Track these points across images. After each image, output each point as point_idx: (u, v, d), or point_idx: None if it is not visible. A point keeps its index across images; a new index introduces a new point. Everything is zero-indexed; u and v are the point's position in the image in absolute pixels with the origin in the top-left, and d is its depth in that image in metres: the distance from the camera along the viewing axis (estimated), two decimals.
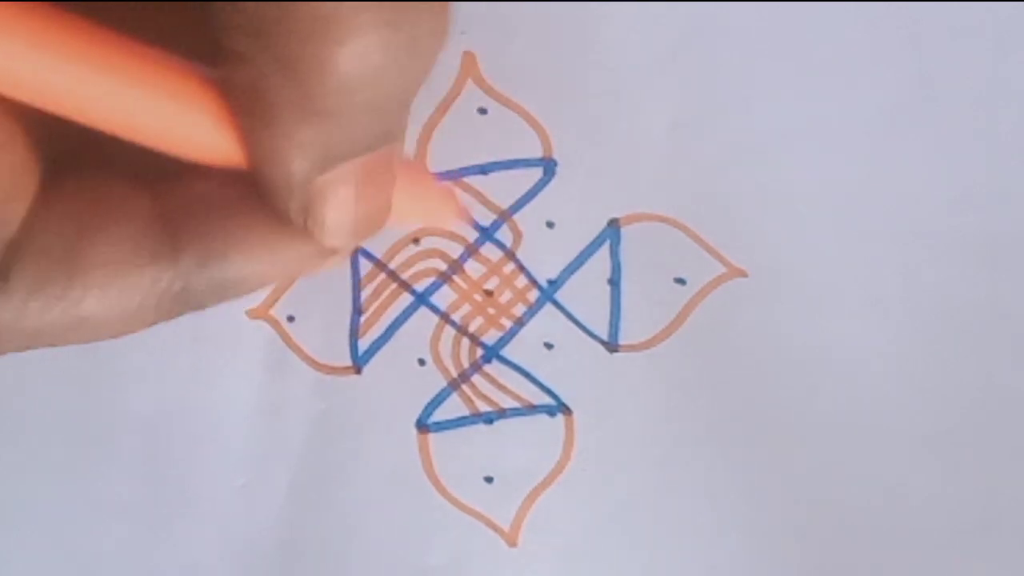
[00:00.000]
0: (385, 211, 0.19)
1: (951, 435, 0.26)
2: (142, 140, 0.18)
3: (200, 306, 0.19)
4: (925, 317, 0.26)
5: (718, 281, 0.26)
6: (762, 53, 0.26)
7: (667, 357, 0.26)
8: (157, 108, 0.17)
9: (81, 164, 0.19)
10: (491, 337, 0.27)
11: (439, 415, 0.27)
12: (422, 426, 0.27)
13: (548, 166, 0.26)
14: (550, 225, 0.26)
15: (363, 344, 0.27)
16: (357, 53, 0.16)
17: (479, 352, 0.27)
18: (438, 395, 0.27)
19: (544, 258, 0.26)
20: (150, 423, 0.27)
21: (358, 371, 0.27)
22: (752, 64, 0.26)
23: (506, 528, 0.26)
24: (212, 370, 0.27)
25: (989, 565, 0.26)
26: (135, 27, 0.17)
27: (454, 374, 0.27)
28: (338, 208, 0.18)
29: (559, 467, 0.26)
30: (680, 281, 0.26)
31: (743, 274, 0.26)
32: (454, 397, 0.27)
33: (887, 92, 0.26)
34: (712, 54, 0.26)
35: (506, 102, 0.26)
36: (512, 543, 0.26)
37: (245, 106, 0.17)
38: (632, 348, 0.26)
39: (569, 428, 0.26)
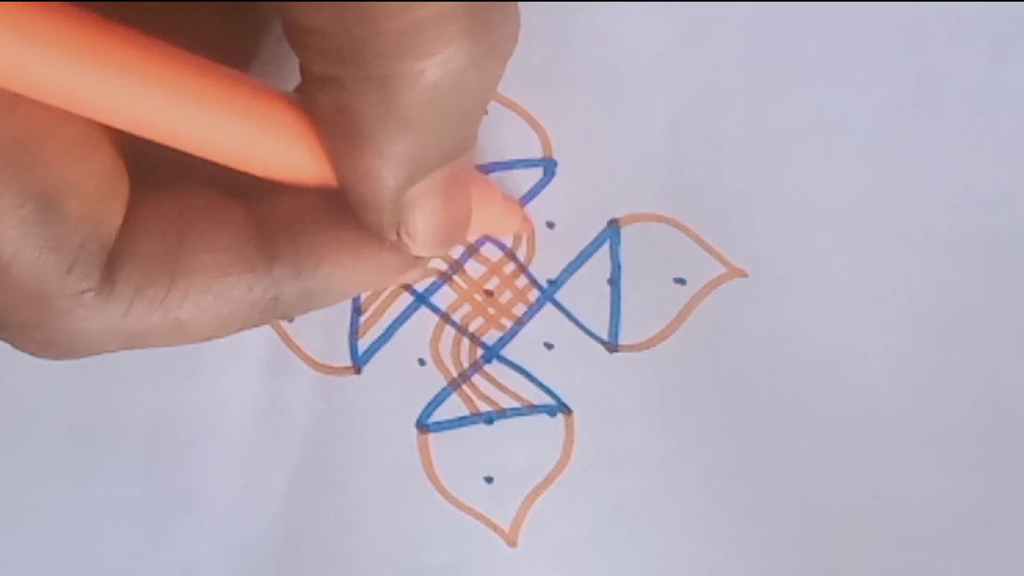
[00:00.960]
0: (467, 218, 0.20)
1: (952, 435, 0.26)
2: (232, 165, 0.18)
3: (287, 315, 0.20)
4: (925, 317, 0.26)
5: (718, 281, 0.26)
6: (762, 53, 0.26)
7: (667, 357, 0.26)
8: (244, 135, 0.18)
9: (178, 175, 0.19)
10: (491, 337, 0.27)
11: (439, 415, 0.27)
12: (422, 426, 0.27)
13: (548, 166, 0.26)
14: (550, 225, 0.26)
15: (363, 344, 0.27)
16: (444, 63, 0.16)
17: (479, 352, 0.27)
18: (438, 395, 0.27)
19: (544, 258, 0.26)
20: (150, 423, 0.27)
21: (358, 371, 0.27)
22: (752, 64, 0.26)
23: (506, 528, 0.26)
24: (212, 370, 0.27)
25: (990, 565, 0.26)
26: (157, 28, 0.17)
27: (454, 374, 0.27)
28: (428, 218, 0.19)
29: (559, 467, 0.26)
30: (680, 281, 0.26)
31: (743, 274, 0.26)
32: (454, 397, 0.27)
33: (887, 92, 0.26)
34: (712, 54, 0.26)
35: (506, 102, 0.26)
36: (512, 543, 0.26)
37: (333, 126, 0.18)
38: (632, 348, 0.26)
39: (569, 428, 0.26)
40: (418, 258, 0.21)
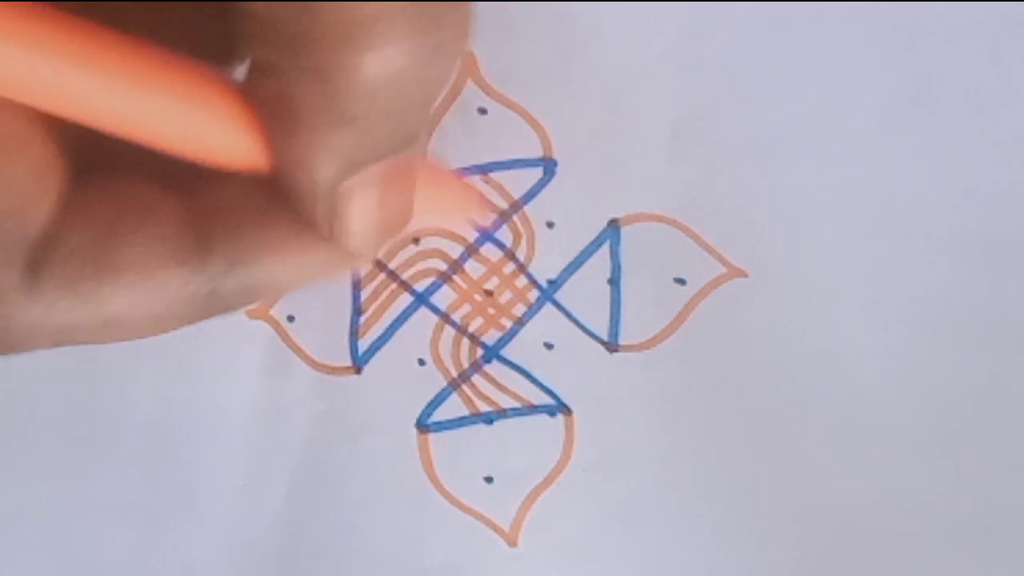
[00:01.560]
0: (407, 214, 0.20)
1: (951, 435, 0.26)
2: (166, 148, 0.18)
3: (227, 310, 0.20)
4: (925, 317, 0.26)
5: (718, 281, 0.26)
6: (762, 53, 0.26)
7: (667, 357, 0.26)
8: (179, 115, 0.17)
9: (109, 167, 0.19)
10: (491, 337, 0.27)
11: (439, 415, 0.27)
12: (422, 426, 0.27)
13: (548, 166, 0.26)
14: (550, 225, 0.26)
15: (363, 344, 0.27)
16: (385, 59, 0.16)
17: (479, 352, 0.27)
18: (438, 395, 0.27)
19: (544, 258, 0.26)
20: (150, 423, 0.27)
21: (358, 371, 0.27)
22: (752, 64, 0.26)
23: (506, 528, 0.26)
24: (212, 370, 0.27)
25: (990, 565, 0.26)
26: (144, 27, 0.17)
27: (454, 374, 0.27)
28: (362, 212, 0.18)
29: (559, 467, 0.26)
30: (680, 281, 0.26)
31: (743, 274, 0.26)
32: (454, 397, 0.27)
33: (887, 92, 0.26)
34: (712, 54, 0.26)
35: (506, 102, 0.26)
36: (512, 543, 0.26)
37: (271, 113, 0.17)
38: (632, 348, 0.26)
39: (569, 428, 0.26)
40: (360, 252, 0.20)
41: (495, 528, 0.26)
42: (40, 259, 0.18)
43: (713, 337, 0.26)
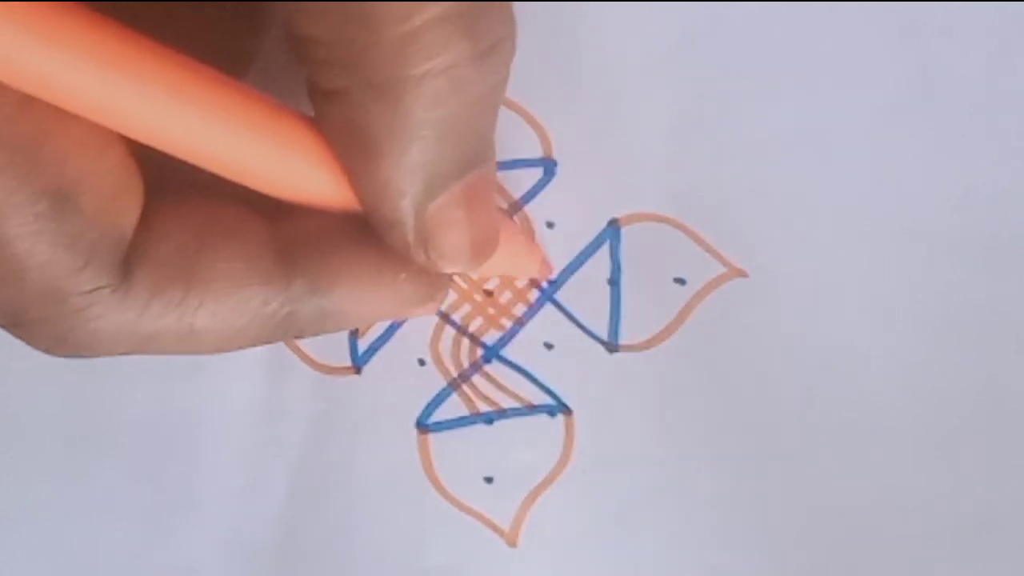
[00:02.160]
0: (495, 232, 0.20)
1: (952, 435, 0.26)
2: (246, 183, 0.18)
3: (301, 334, 0.20)
4: (926, 317, 0.26)
5: (718, 281, 0.26)
6: (762, 53, 0.26)
7: (667, 357, 0.26)
8: (259, 154, 0.18)
9: (197, 182, 0.19)
10: (491, 337, 0.27)
11: (439, 415, 0.27)
12: (422, 426, 0.27)
13: (548, 166, 0.26)
14: (550, 225, 0.26)
15: (363, 344, 0.27)
16: (446, 65, 0.16)
17: (479, 352, 0.27)
18: (438, 395, 0.27)
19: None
20: (150, 423, 0.27)
21: (358, 371, 0.27)
22: (752, 64, 0.26)
23: (506, 528, 0.26)
24: (212, 370, 0.27)
25: (990, 565, 0.26)
26: (153, 29, 0.17)
27: (454, 374, 0.27)
28: (454, 232, 0.19)
29: (559, 467, 0.26)
30: (680, 281, 0.26)
31: (743, 274, 0.26)
32: (454, 397, 0.27)
33: (887, 92, 0.26)
34: (712, 54, 0.26)
35: (506, 102, 0.26)
36: (512, 543, 0.26)
37: (346, 143, 0.17)
38: (632, 348, 0.26)
39: (569, 428, 0.26)
40: (436, 290, 0.21)
41: (495, 528, 0.26)
42: (132, 264, 0.18)
43: (713, 337, 0.26)
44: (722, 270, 0.26)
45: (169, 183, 0.19)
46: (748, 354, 0.26)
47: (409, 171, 0.17)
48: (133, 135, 0.17)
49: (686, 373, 0.26)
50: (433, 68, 0.16)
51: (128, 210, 0.18)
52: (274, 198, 0.19)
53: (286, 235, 0.20)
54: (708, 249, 0.26)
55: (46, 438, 0.27)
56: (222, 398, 0.27)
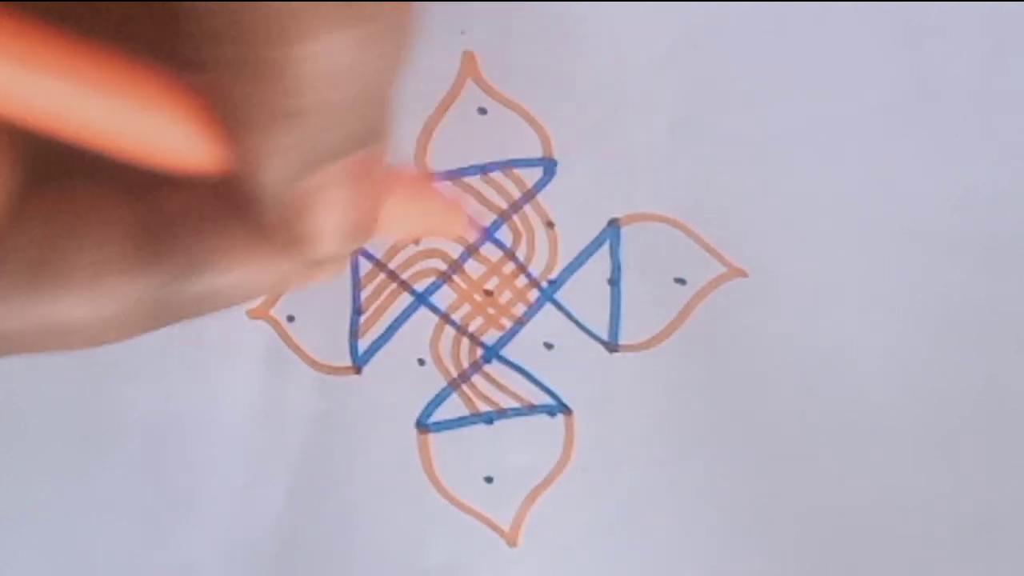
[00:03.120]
0: (375, 216, 0.19)
1: (952, 435, 0.26)
2: (115, 150, 0.17)
3: (184, 316, 0.19)
4: (925, 317, 0.26)
5: (718, 281, 0.26)
6: (762, 53, 0.26)
7: (667, 357, 0.26)
8: (132, 117, 0.17)
9: (62, 171, 0.18)
10: (491, 337, 0.27)
11: (439, 415, 0.27)
12: (422, 426, 0.27)
13: (548, 166, 0.26)
14: (550, 225, 0.26)
15: (363, 344, 0.27)
16: (323, 50, 0.15)
17: (479, 352, 0.27)
18: (438, 395, 0.27)
19: (544, 258, 0.26)
20: (150, 423, 0.27)
21: (358, 371, 0.27)
22: (752, 64, 0.26)
23: (506, 528, 0.26)
24: (212, 370, 0.27)
25: (990, 565, 0.26)
26: (102, 31, 0.17)
27: (454, 374, 0.27)
28: (327, 213, 0.18)
29: (559, 467, 0.26)
30: (680, 281, 0.26)
31: (743, 274, 0.26)
32: (454, 397, 0.27)
33: (887, 92, 0.26)
34: (712, 54, 0.26)
35: (506, 102, 0.26)
36: (512, 543, 0.26)
37: (222, 113, 0.17)
38: (632, 348, 0.26)
39: (569, 428, 0.26)
40: (316, 262, 0.20)
41: (495, 528, 0.26)
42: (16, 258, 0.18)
43: (713, 337, 0.26)
44: (722, 270, 0.26)
45: (48, 173, 0.19)
46: (748, 354, 0.26)
47: (279, 148, 0.17)
48: None
49: (686, 373, 0.26)
50: (318, 48, 0.16)
51: None
52: (145, 181, 0.18)
53: (153, 218, 0.19)
54: (708, 249, 0.26)
55: (47, 438, 0.27)
56: (222, 398, 0.27)
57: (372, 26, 0.16)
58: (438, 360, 0.27)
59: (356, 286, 0.27)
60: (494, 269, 0.27)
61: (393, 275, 0.27)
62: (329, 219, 0.18)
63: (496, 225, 0.26)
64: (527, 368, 0.26)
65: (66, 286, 0.18)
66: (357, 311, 0.27)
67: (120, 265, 0.18)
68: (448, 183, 0.26)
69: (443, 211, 0.23)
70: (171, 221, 0.19)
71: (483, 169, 0.26)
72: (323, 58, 0.16)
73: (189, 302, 0.19)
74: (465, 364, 0.27)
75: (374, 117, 0.17)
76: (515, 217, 0.26)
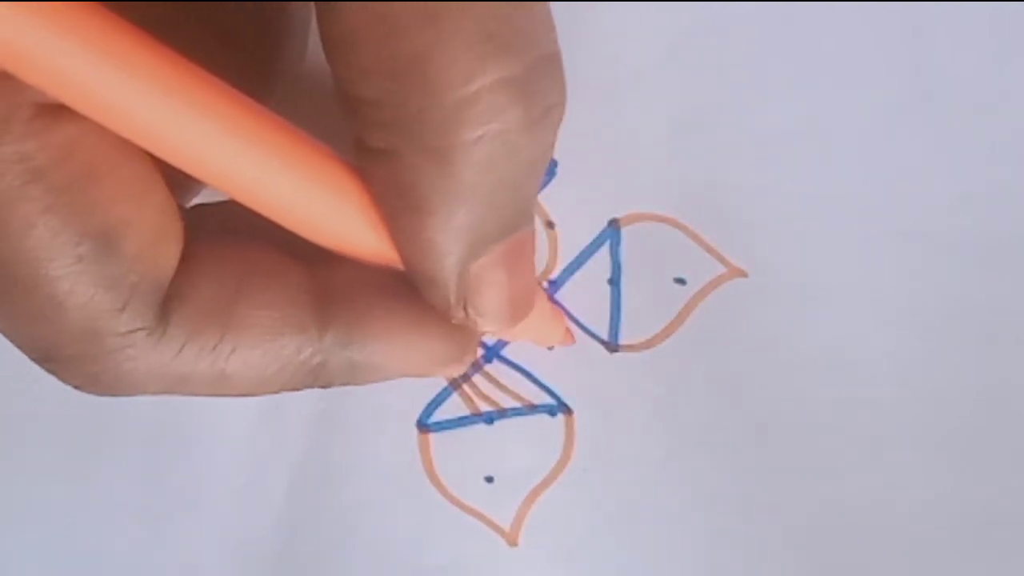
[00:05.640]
0: (532, 292, 0.20)
1: (952, 436, 0.26)
2: (285, 224, 0.18)
3: (330, 384, 0.20)
4: (926, 317, 0.26)
5: (718, 281, 0.26)
6: (762, 53, 0.26)
7: (667, 357, 0.26)
8: (305, 197, 0.17)
9: (241, 227, 0.19)
10: (491, 337, 0.27)
11: (439, 415, 0.27)
12: (422, 426, 0.27)
13: (548, 166, 0.26)
14: (550, 225, 0.26)
15: None
16: (500, 131, 0.16)
17: (479, 352, 0.27)
18: (438, 395, 0.27)
19: (544, 258, 0.26)
20: (150, 423, 0.27)
21: None
22: (752, 64, 0.26)
23: (506, 528, 0.26)
24: None
25: (990, 565, 0.26)
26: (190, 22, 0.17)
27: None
28: (494, 291, 0.19)
29: (559, 467, 0.26)
30: (680, 281, 0.26)
31: (743, 274, 0.26)
32: (454, 397, 0.27)
33: (887, 92, 0.26)
34: (712, 54, 0.26)
35: None
36: (512, 543, 0.27)
37: (391, 200, 0.17)
38: (632, 348, 0.26)
39: (569, 428, 0.26)
40: (465, 351, 0.21)
41: (495, 528, 0.27)
42: (169, 308, 0.18)
43: (713, 337, 0.26)
44: (722, 270, 0.26)
45: (209, 226, 0.19)
46: (748, 354, 0.26)
47: (455, 232, 0.17)
48: (172, 156, 0.17)
49: (686, 373, 0.26)
50: (487, 133, 0.16)
51: (168, 253, 0.18)
52: (313, 245, 0.19)
53: (323, 284, 0.20)
54: (708, 249, 0.26)
55: (47, 438, 0.27)
56: (222, 398, 0.27)
57: (540, 106, 0.16)
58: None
59: None
60: None
61: None
62: (495, 297, 0.18)
63: None
64: (527, 368, 0.26)
65: (242, 339, 0.19)
66: None
67: (291, 326, 0.19)
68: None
69: (549, 318, 0.24)
70: (342, 289, 0.19)
71: None
72: (498, 139, 0.16)
73: (344, 371, 0.20)
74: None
75: (530, 197, 0.18)
76: None
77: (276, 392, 0.20)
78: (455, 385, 0.27)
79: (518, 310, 0.20)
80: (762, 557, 0.26)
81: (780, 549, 0.26)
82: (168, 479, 0.27)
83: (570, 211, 0.26)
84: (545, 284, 0.26)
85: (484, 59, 0.15)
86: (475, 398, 0.27)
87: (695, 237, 0.26)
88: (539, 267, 0.26)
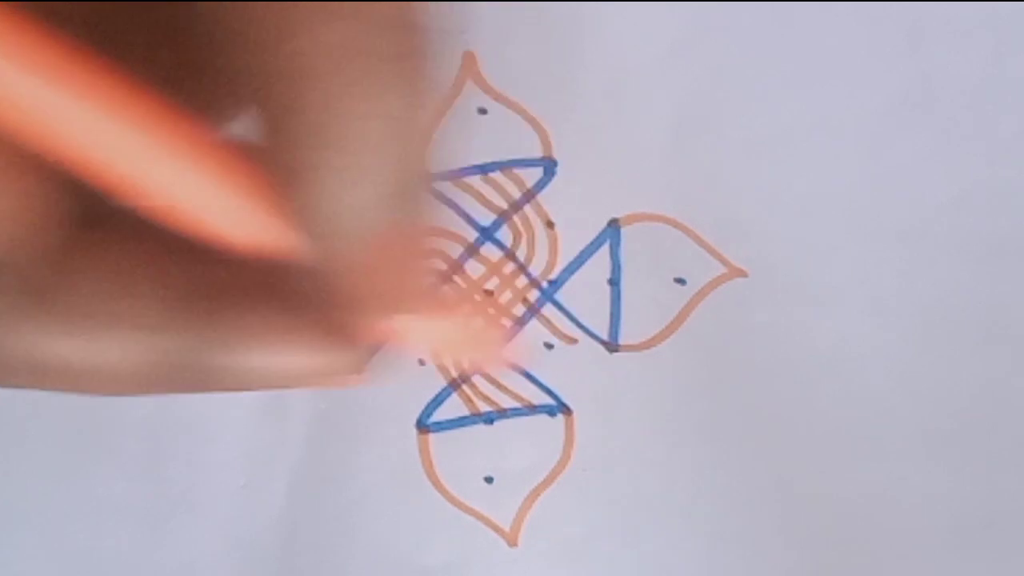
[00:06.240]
0: (419, 283, 0.20)
1: (951, 434, 0.26)
2: (169, 215, 0.18)
3: (202, 388, 0.19)
4: (925, 317, 0.26)
5: (718, 281, 0.26)
6: (762, 53, 0.26)
7: (667, 357, 0.26)
8: (184, 179, 0.17)
9: (128, 223, 0.19)
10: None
11: (439, 415, 0.27)
12: (422, 426, 0.27)
13: (548, 166, 0.26)
14: (550, 225, 0.26)
15: None
16: (384, 109, 0.16)
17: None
18: (438, 395, 0.27)
19: (544, 258, 0.26)
20: (150, 423, 0.27)
21: None
22: (752, 64, 0.26)
23: (506, 528, 0.26)
24: None
25: (990, 565, 0.26)
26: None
27: (454, 374, 0.27)
28: (377, 282, 0.18)
29: (559, 467, 0.26)
30: (680, 281, 0.26)
31: (743, 274, 0.26)
32: (454, 397, 0.27)
33: (887, 92, 0.26)
34: (712, 54, 0.26)
35: (506, 102, 0.26)
36: (512, 543, 0.26)
37: (276, 179, 0.17)
38: (632, 348, 0.26)
39: (569, 428, 0.26)
40: (356, 363, 0.20)
41: (495, 528, 0.26)
42: (34, 294, 0.18)
43: (713, 337, 0.26)
44: (722, 270, 0.26)
45: (95, 219, 0.19)
46: (748, 354, 0.26)
47: (334, 215, 0.17)
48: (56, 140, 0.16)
49: (686, 373, 0.26)
50: (369, 111, 0.16)
51: (32, 240, 0.18)
52: (196, 248, 0.19)
53: (197, 287, 0.19)
54: (708, 249, 0.26)
55: (47, 438, 0.27)
56: (222, 398, 0.27)
57: (421, 87, 0.16)
58: (438, 360, 0.27)
59: None
60: (494, 269, 0.27)
61: None
62: (379, 282, 0.18)
63: (496, 225, 0.26)
64: (527, 368, 0.26)
65: (102, 334, 0.18)
66: None
67: (154, 322, 0.18)
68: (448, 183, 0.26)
69: (483, 331, 0.23)
70: (211, 291, 0.19)
71: (483, 169, 0.26)
72: (380, 120, 0.16)
73: (209, 374, 0.19)
74: (465, 364, 0.27)
75: (420, 181, 0.18)
76: (515, 217, 0.26)
77: (141, 393, 0.19)
78: (455, 385, 0.27)
79: (395, 306, 0.19)
80: (761, 555, 0.26)
81: (780, 548, 0.26)
82: (168, 479, 0.27)
83: (570, 211, 0.26)
84: (545, 284, 0.26)
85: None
86: (475, 398, 0.27)
87: (695, 237, 0.26)
88: (539, 267, 0.26)
